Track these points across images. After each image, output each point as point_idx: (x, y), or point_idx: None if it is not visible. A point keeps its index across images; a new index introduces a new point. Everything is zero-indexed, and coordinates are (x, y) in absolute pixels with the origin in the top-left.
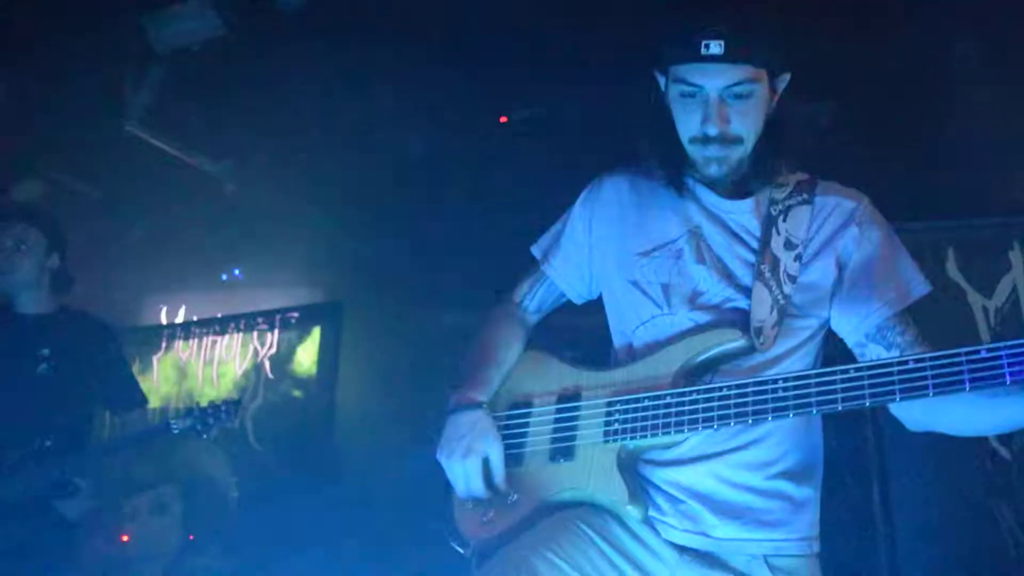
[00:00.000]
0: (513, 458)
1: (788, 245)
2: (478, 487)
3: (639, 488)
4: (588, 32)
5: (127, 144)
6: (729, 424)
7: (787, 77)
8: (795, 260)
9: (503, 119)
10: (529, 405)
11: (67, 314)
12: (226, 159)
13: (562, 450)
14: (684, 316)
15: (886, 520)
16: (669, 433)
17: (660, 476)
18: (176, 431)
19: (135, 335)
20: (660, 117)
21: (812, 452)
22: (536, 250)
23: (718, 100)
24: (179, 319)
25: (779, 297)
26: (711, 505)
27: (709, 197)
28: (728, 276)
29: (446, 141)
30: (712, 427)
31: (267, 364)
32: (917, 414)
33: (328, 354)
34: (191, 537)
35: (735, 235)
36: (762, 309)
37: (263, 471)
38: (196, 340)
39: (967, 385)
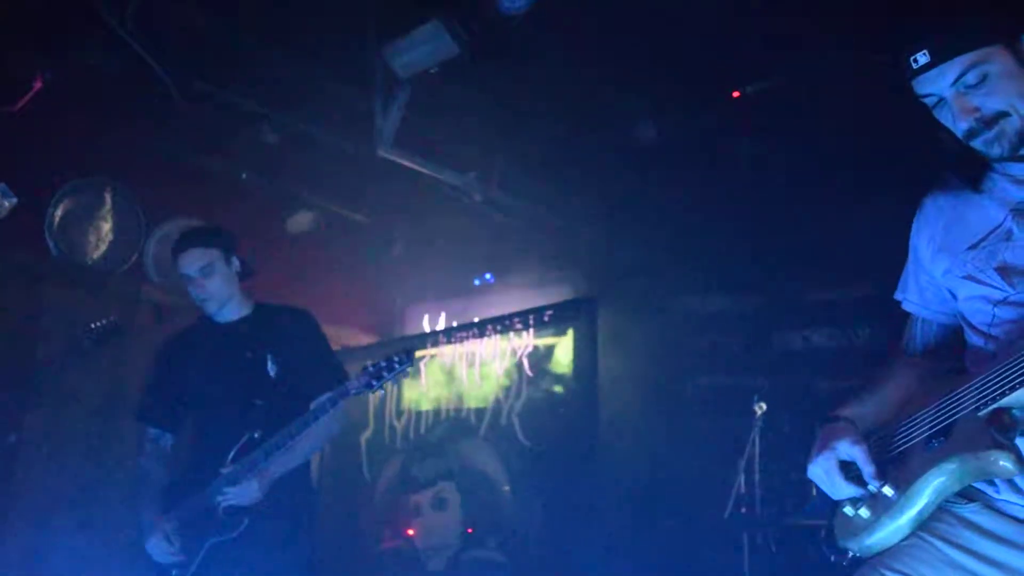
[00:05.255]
0: (892, 460)
1: None
2: (839, 484)
3: (1008, 440)
4: None
5: (381, 167)
6: None
7: None
8: None
9: (736, 94)
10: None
11: (266, 309)
12: (471, 171)
13: (939, 432)
14: None
15: None
16: None
17: None
18: (353, 392)
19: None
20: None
21: None
22: (898, 293)
23: (955, 96)
24: (440, 325)
25: None
26: None
27: (1014, 169)
28: None
29: (679, 122)
30: None
31: (526, 362)
32: None
33: (585, 349)
34: (469, 531)
35: None
36: None
37: (532, 466)
38: (458, 344)
39: None
